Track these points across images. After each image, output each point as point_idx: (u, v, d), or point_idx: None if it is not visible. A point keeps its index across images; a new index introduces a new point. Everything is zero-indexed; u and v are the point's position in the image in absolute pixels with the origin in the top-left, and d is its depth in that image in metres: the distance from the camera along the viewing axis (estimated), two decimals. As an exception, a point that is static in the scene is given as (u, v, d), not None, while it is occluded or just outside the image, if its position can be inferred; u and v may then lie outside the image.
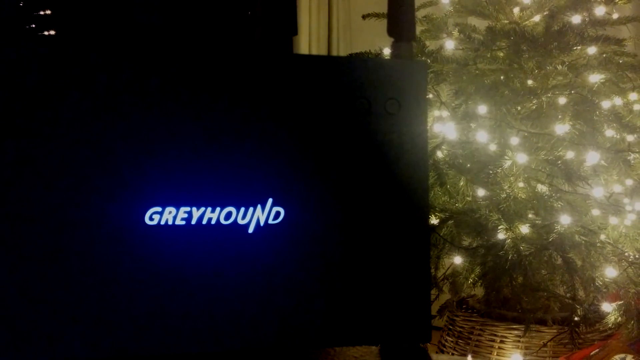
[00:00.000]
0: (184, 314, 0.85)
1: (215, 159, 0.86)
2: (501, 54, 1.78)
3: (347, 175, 0.90)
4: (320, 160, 0.90)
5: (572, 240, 1.60)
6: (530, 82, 1.74)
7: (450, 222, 1.75)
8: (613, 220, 1.65)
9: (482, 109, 1.70)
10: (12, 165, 0.81)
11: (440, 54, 1.81)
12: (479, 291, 1.92)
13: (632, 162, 1.66)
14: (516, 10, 1.90)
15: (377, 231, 0.91)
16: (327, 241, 0.89)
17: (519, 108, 1.70)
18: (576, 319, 1.62)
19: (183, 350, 0.85)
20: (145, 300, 0.84)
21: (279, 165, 0.88)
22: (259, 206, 0.87)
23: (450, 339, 1.98)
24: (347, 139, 0.90)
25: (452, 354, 1.92)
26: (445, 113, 1.76)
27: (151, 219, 0.85)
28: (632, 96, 1.78)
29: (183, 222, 0.86)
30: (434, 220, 1.73)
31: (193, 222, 0.86)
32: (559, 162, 1.61)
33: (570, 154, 1.67)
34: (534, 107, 1.70)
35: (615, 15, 1.87)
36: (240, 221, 0.87)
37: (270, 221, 0.88)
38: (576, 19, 1.77)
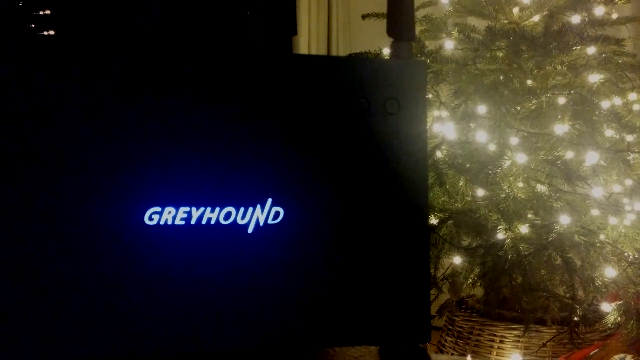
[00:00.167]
0: (184, 313, 0.85)
1: (215, 159, 0.86)
2: (500, 54, 1.78)
3: (347, 176, 0.90)
4: (319, 160, 0.90)
5: (572, 240, 1.59)
6: (529, 82, 1.74)
7: (449, 222, 1.74)
8: (612, 220, 1.65)
9: (482, 109, 1.70)
10: (12, 165, 0.81)
11: (440, 54, 1.81)
12: (479, 291, 1.91)
13: (632, 162, 1.66)
14: (515, 10, 1.90)
15: (377, 231, 0.91)
16: (327, 241, 0.89)
17: (519, 108, 1.70)
18: (575, 319, 1.62)
19: (182, 350, 0.85)
20: (144, 300, 0.84)
21: (279, 165, 0.88)
22: (258, 206, 0.87)
23: (449, 339, 1.98)
24: (346, 139, 0.90)
25: (452, 354, 1.92)
26: (444, 113, 1.76)
27: (150, 219, 0.85)
28: (632, 96, 1.78)
29: (182, 222, 0.86)
30: (433, 220, 1.72)
31: (192, 222, 0.86)
32: (559, 162, 1.61)
33: (569, 154, 1.67)
34: (534, 107, 1.70)
35: (614, 15, 1.87)
36: (239, 221, 0.87)
37: (269, 221, 0.88)
38: (575, 19, 1.77)
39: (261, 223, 0.88)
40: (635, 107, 1.77)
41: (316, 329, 0.89)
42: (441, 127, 1.73)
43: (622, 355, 1.46)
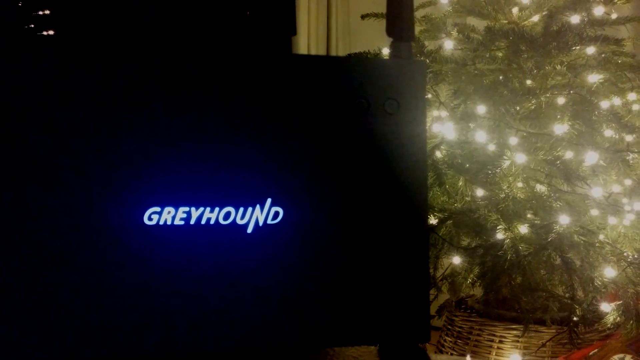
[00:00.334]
0: (183, 314, 0.85)
1: (214, 159, 0.86)
2: (500, 54, 1.78)
3: (346, 176, 0.90)
4: (319, 160, 0.90)
5: (571, 240, 1.59)
6: (529, 82, 1.74)
7: (449, 222, 1.74)
8: (612, 220, 1.65)
9: (481, 109, 1.70)
10: (11, 165, 0.81)
11: (439, 54, 1.81)
12: (478, 291, 1.91)
13: (631, 162, 1.66)
14: (515, 10, 1.90)
15: (376, 231, 0.91)
16: (326, 241, 0.89)
17: (518, 108, 1.70)
18: (575, 319, 1.62)
19: (182, 350, 0.85)
20: (144, 300, 0.84)
21: (278, 165, 0.88)
22: (257, 206, 0.87)
23: (449, 339, 1.98)
24: (346, 139, 0.90)
25: (451, 354, 1.92)
26: (444, 113, 1.76)
27: (150, 219, 0.85)
28: (631, 96, 1.78)
29: (182, 222, 0.85)
30: (432, 220, 1.73)
31: (192, 222, 0.86)
32: (558, 162, 1.61)
33: (569, 154, 1.67)
34: (533, 107, 1.70)
35: (614, 15, 1.87)
36: (239, 221, 0.87)
37: (269, 221, 0.88)
38: (575, 19, 1.77)
39: (260, 223, 0.88)
40: (635, 107, 1.77)
41: (315, 328, 0.89)
42: (441, 127, 1.73)
43: (621, 356, 1.46)
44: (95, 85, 0.83)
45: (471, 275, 1.81)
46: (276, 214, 0.88)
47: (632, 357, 1.43)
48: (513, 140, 1.66)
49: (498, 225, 1.61)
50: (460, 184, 1.70)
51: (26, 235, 0.81)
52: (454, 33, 1.84)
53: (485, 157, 1.67)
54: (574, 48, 1.72)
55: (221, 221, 0.87)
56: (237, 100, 0.87)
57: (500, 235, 1.61)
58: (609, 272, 1.59)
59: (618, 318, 1.55)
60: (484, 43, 1.76)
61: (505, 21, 1.88)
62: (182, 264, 0.85)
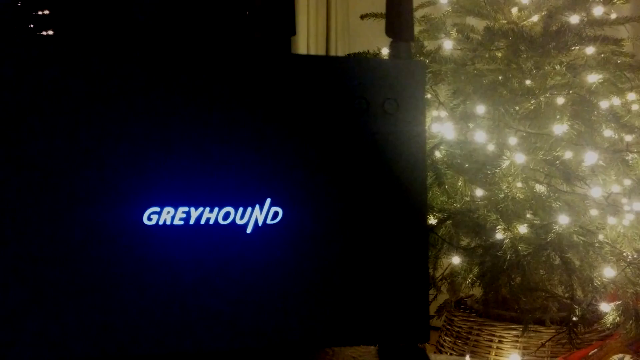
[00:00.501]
0: (183, 313, 0.85)
1: (214, 159, 0.86)
2: (499, 54, 1.78)
3: (345, 175, 0.90)
4: (318, 160, 0.89)
5: (571, 240, 1.60)
6: (528, 82, 1.74)
7: (448, 222, 1.75)
8: (611, 220, 1.65)
9: (480, 109, 1.70)
10: (10, 165, 0.81)
11: (439, 54, 1.81)
12: (477, 291, 1.91)
13: (630, 162, 1.66)
14: (514, 10, 1.90)
15: (376, 231, 0.91)
16: (326, 241, 0.89)
17: (517, 108, 1.70)
18: (574, 319, 1.62)
19: (180, 350, 0.85)
20: (143, 300, 0.84)
21: (277, 165, 0.88)
22: (257, 206, 0.87)
23: (448, 339, 1.98)
24: (345, 139, 0.90)
25: (451, 354, 1.92)
26: (443, 113, 1.76)
27: (149, 219, 0.84)
28: (630, 96, 1.78)
29: (181, 222, 0.85)
30: (432, 220, 1.73)
31: (191, 222, 0.86)
32: (557, 162, 1.61)
33: (568, 154, 1.67)
34: (532, 107, 1.70)
35: (613, 15, 1.88)
36: (238, 221, 0.87)
37: (268, 221, 0.88)
38: (574, 19, 1.77)
39: (260, 223, 0.88)
40: (634, 107, 1.77)
41: (315, 328, 0.89)
42: (440, 127, 1.73)
43: (620, 356, 1.46)
44: (94, 85, 0.83)
45: (470, 275, 1.81)
46: (275, 214, 0.88)
47: (631, 357, 1.43)
48: (512, 140, 1.66)
49: (497, 225, 1.61)
50: (460, 184, 1.70)
51: (25, 235, 0.81)
52: (454, 33, 1.85)
53: (485, 157, 1.67)
54: (573, 48, 1.73)
55: (220, 221, 0.86)
56: (237, 100, 0.87)
57: (499, 235, 1.62)
58: (609, 272, 1.59)
59: (617, 318, 1.55)
60: (483, 43, 1.76)
61: (505, 21, 1.88)
62: (181, 264, 0.85)
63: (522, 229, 1.63)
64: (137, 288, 0.84)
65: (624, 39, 1.80)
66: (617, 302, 1.57)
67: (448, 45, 1.85)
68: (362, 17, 1.99)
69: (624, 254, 1.61)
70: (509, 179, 1.64)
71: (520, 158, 1.62)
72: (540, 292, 1.76)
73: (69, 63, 0.83)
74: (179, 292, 0.85)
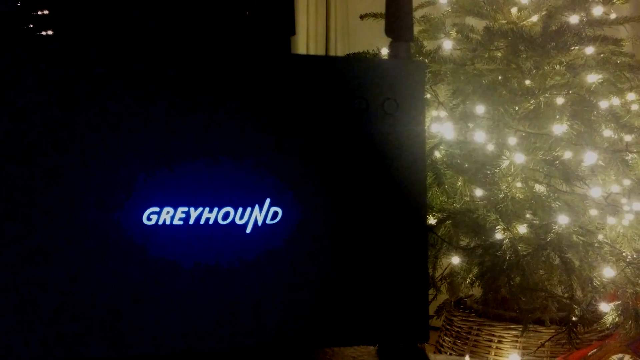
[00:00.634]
0: (182, 313, 0.85)
1: (213, 159, 0.86)
2: (499, 54, 1.78)
3: (345, 175, 0.90)
4: (318, 160, 0.89)
5: (570, 241, 1.60)
6: (528, 82, 1.74)
7: (448, 222, 1.74)
8: (611, 220, 1.65)
9: (480, 109, 1.70)
10: (9, 165, 0.81)
11: (438, 54, 1.81)
12: (477, 291, 1.92)
13: (630, 162, 1.66)
14: (514, 10, 1.90)
15: (375, 231, 0.91)
16: (325, 241, 0.89)
17: (517, 108, 1.70)
18: (574, 319, 1.62)
19: (180, 350, 0.85)
20: (143, 299, 0.84)
21: (277, 165, 0.88)
22: (256, 206, 0.87)
23: (448, 339, 1.98)
24: (345, 139, 0.90)
25: (450, 354, 1.92)
26: (443, 113, 1.76)
27: (149, 219, 0.84)
28: (630, 96, 1.78)
29: (181, 222, 0.85)
30: (431, 220, 1.73)
31: (191, 222, 0.86)
32: (557, 162, 1.61)
33: (568, 154, 1.67)
34: (532, 107, 1.70)
35: (613, 15, 1.88)
36: (238, 221, 0.87)
37: (268, 221, 0.88)
38: (574, 19, 1.77)
39: (259, 223, 0.88)
40: (634, 107, 1.77)
41: (314, 328, 0.89)
42: (439, 127, 1.73)
43: (620, 356, 1.46)
44: (93, 86, 0.83)
45: (470, 275, 1.81)
46: (275, 214, 0.88)
47: (630, 357, 1.43)
48: (512, 140, 1.66)
49: (497, 225, 1.61)
50: (459, 184, 1.70)
51: (25, 235, 0.81)
52: (453, 33, 1.84)
53: (484, 157, 1.67)
54: (572, 48, 1.73)
55: (220, 221, 0.86)
56: (237, 100, 0.87)
57: (499, 235, 1.61)
58: (608, 272, 1.59)
59: (617, 318, 1.55)
60: (482, 43, 1.76)
61: (504, 21, 1.88)
62: (180, 263, 0.85)
63: (522, 229, 1.63)
64: (137, 288, 0.84)
65: (623, 39, 1.79)
66: (617, 302, 1.57)
67: (447, 45, 1.84)
68: (361, 17, 1.98)
69: (624, 253, 1.61)
70: (509, 178, 1.64)
71: (519, 158, 1.62)
72: (539, 292, 1.76)
73: (69, 63, 0.83)
74: (179, 291, 0.85)
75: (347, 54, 2.34)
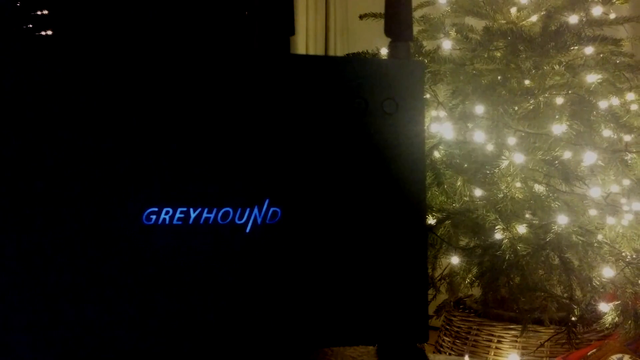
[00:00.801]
0: (182, 314, 0.85)
1: (212, 159, 0.86)
2: (498, 54, 1.78)
3: (344, 175, 0.90)
4: (317, 160, 0.89)
5: (569, 241, 1.60)
6: (527, 82, 1.74)
7: (447, 222, 1.75)
8: (610, 220, 1.65)
9: (479, 109, 1.70)
10: (8, 165, 0.81)
11: (438, 54, 1.81)
12: (476, 291, 1.92)
13: (629, 162, 1.67)
14: (513, 10, 1.90)
15: (375, 231, 0.91)
16: (324, 241, 0.89)
17: (516, 108, 1.70)
18: (573, 319, 1.62)
19: (180, 350, 0.85)
20: (142, 300, 0.84)
21: (276, 165, 0.88)
22: (256, 206, 0.87)
23: (447, 339, 1.98)
24: (344, 139, 0.90)
25: (450, 354, 1.92)
26: (442, 113, 1.76)
27: (148, 219, 0.84)
28: (629, 96, 1.78)
29: (180, 222, 0.85)
30: (431, 220, 1.73)
31: (190, 222, 0.86)
32: (556, 162, 1.61)
33: (567, 154, 1.67)
34: (531, 107, 1.70)
35: (612, 16, 1.88)
36: (237, 221, 0.87)
37: (267, 221, 0.88)
38: (573, 19, 1.77)
39: (259, 223, 0.88)
40: (633, 107, 1.77)
41: (314, 328, 0.89)
42: (439, 127, 1.73)
43: (619, 356, 1.46)
44: (92, 86, 0.83)
45: (469, 275, 1.81)
46: (274, 214, 0.88)
47: (630, 357, 1.44)
48: (511, 140, 1.66)
49: (496, 225, 1.61)
50: (459, 184, 1.70)
51: (24, 235, 0.81)
52: (452, 33, 1.85)
53: (484, 157, 1.67)
54: (572, 48, 1.73)
55: (219, 221, 0.86)
56: (236, 100, 0.87)
57: (498, 235, 1.62)
58: (608, 272, 1.59)
59: (616, 318, 1.55)
60: (482, 43, 1.77)
61: (504, 21, 1.88)
62: (180, 263, 0.85)
63: (521, 229, 1.63)
64: (136, 288, 0.84)
65: (622, 39, 1.80)
66: (616, 302, 1.57)
67: (447, 45, 1.85)
68: (361, 17, 1.99)
69: (623, 253, 1.61)
70: (508, 178, 1.64)
71: (519, 158, 1.62)
72: (539, 292, 1.76)
73: (68, 63, 0.83)
74: (178, 291, 0.85)
75: (347, 54, 2.34)
